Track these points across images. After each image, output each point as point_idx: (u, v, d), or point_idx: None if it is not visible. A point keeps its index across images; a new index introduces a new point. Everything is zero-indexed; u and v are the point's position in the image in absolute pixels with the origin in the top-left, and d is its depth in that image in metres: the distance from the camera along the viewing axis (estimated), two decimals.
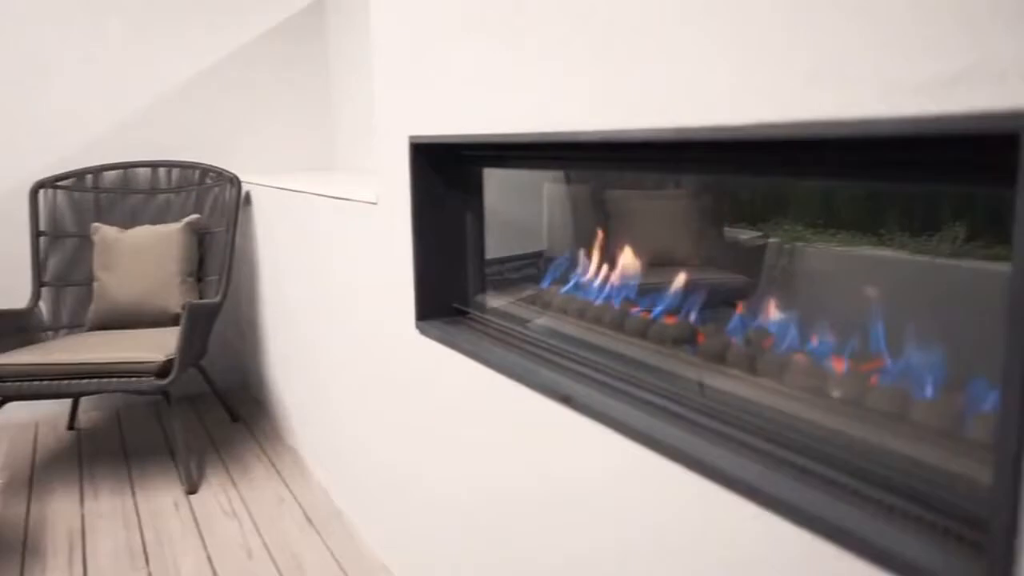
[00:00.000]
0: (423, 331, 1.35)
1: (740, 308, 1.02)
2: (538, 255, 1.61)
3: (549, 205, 1.61)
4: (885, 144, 0.57)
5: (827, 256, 1.07)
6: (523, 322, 1.25)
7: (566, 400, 0.97)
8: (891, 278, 1.01)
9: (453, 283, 1.39)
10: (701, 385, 0.94)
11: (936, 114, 0.52)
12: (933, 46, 0.53)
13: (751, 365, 0.89)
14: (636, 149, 0.86)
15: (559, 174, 1.59)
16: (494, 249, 1.45)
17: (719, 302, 1.14)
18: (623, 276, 1.25)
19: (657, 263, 1.24)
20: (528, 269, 1.57)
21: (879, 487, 0.68)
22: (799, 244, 1.13)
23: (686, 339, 1.01)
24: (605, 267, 1.32)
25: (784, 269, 1.16)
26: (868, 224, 0.98)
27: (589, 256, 1.36)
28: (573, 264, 1.37)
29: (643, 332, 1.07)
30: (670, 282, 1.22)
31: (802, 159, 0.67)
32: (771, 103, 0.61)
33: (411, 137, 1.32)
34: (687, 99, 0.70)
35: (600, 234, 1.47)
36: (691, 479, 0.79)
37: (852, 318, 0.93)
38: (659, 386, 0.93)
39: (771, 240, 1.18)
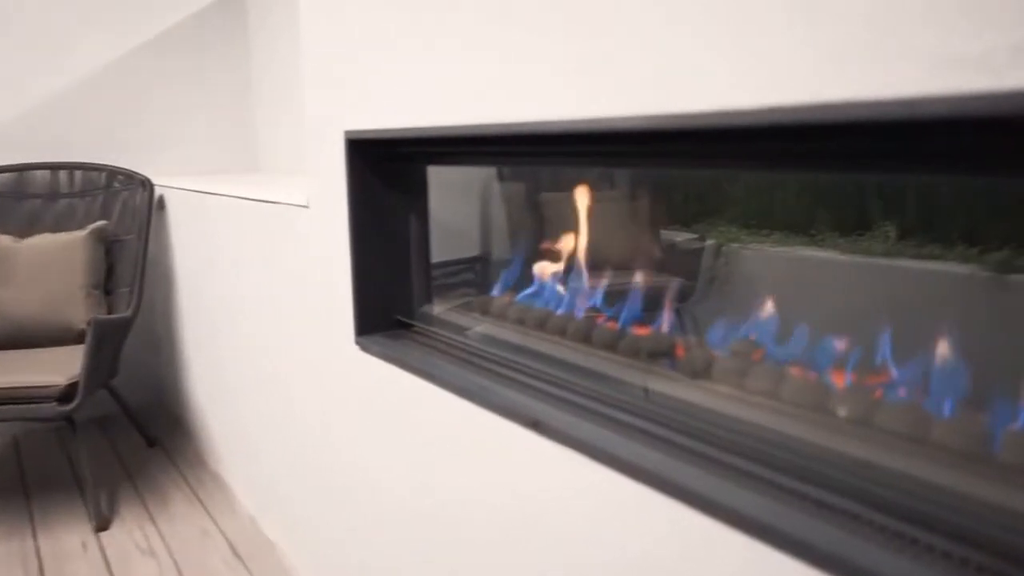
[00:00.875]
0: (364, 347, 1.22)
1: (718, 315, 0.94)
2: (475, 260, 1.50)
3: (483, 207, 1.51)
4: (929, 129, 0.49)
5: (782, 258, 1.03)
6: (477, 336, 1.14)
7: (535, 425, 0.86)
8: (856, 281, 0.96)
9: (396, 293, 1.27)
10: (646, 391, 0.86)
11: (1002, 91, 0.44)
12: (992, 14, 0.44)
13: (740, 380, 0.80)
14: (614, 142, 0.76)
15: (492, 173, 1.49)
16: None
17: (684, 309, 1.07)
18: (580, 282, 1.16)
19: (608, 267, 1.16)
20: (465, 274, 1.47)
21: (898, 518, 0.60)
22: (736, 245, 1.10)
23: (663, 352, 0.91)
24: (559, 273, 1.22)
25: (746, 273, 1.10)
26: (801, 224, 0.95)
27: (538, 261, 1.27)
28: (525, 270, 1.27)
29: (613, 344, 0.97)
30: (630, 287, 1.14)
31: (818, 149, 0.57)
32: (789, 83, 0.52)
33: (347, 132, 1.18)
34: (683, 80, 0.60)
35: (546, 237, 1.38)
36: (671, 506, 0.69)
37: (840, 325, 0.86)
38: (636, 405, 0.83)
39: (721, 242, 1.13)
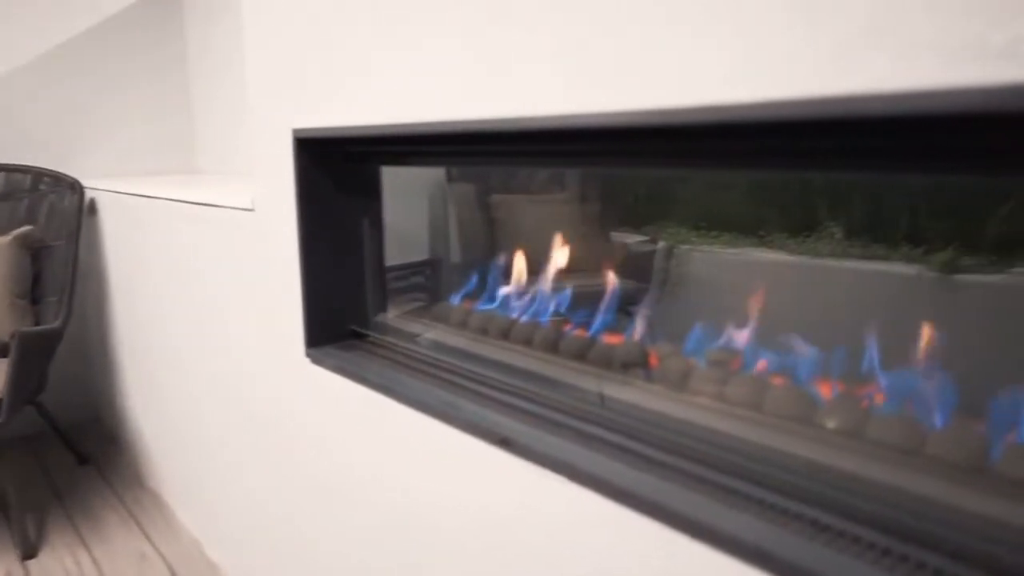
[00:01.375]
0: (315, 359, 1.15)
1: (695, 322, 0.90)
2: (425, 264, 1.45)
3: (431, 208, 1.46)
4: (944, 126, 0.45)
5: (734, 260, 1.02)
6: (437, 346, 1.08)
7: (504, 442, 0.81)
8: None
9: (349, 302, 1.20)
10: (601, 397, 0.82)
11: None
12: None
13: (721, 392, 0.76)
14: (586, 140, 0.71)
15: (439, 174, 1.44)
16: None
17: (638, 312, 1.04)
18: (541, 287, 1.12)
19: (564, 270, 1.12)
20: (414, 278, 1.41)
21: (882, 531, 0.57)
22: (687, 247, 1.09)
23: (637, 362, 0.87)
24: (518, 278, 1.18)
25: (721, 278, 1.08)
26: (750, 225, 0.94)
27: (494, 265, 1.22)
28: (482, 275, 1.22)
29: (583, 354, 0.93)
30: (587, 291, 1.10)
31: (824, 146, 0.54)
32: (791, 75, 0.48)
33: (295, 131, 1.11)
34: (671, 74, 0.55)
35: (499, 240, 1.34)
36: (648, 526, 0.65)
37: (818, 329, 0.84)
38: (606, 418, 0.79)
39: (672, 244, 1.12)
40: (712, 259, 1.07)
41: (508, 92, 0.75)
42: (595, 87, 0.61)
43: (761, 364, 0.82)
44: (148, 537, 1.83)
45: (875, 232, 0.83)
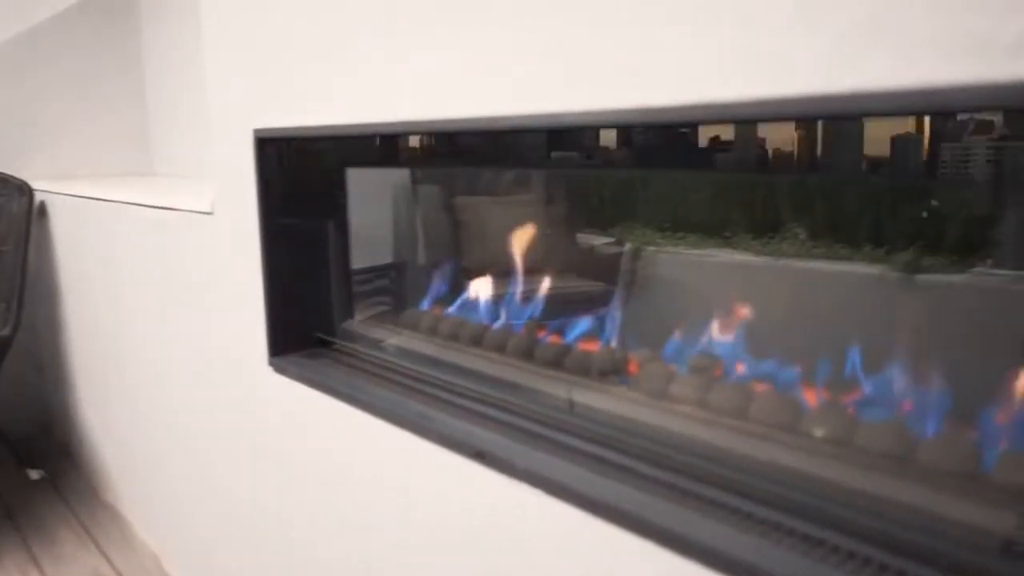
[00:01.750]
0: (279, 369, 1.11)
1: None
2: (389, 268, 1.41)
3: (395, 210, 1.42)
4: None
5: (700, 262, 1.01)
6: (406, 354, 1.04)
7: (479, 456, 0.78)
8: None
9: (314, 308, 1.15)
10: (571, 404, 0.80)
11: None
12: None
13: (704, 400, 0.74)
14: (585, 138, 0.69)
15: (404, 176, 1.40)
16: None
17: (607, 314, 1.02)
18: (512, 291, 1.09)
19: (531, 273, 1.09)
20: (378, 282, 1.37)
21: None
22: (653, 248, 1.08)
23: (616, 369, 0.85)
24: (488, 282, 1.15)
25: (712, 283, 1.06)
26: (715, 226, 0.94)
27: (461, 269, 1.19)
28: (451, 280, 1.19)
29: (558, 362, 0.90)
30: (563, 295, 1.08)
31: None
32: (789, 70, 0.46)
33: (256, 130, 1.07)
34: (661, 71, 0.53)
35: (465, 243, 1.31)
36: (644, 547, 0.62)
37: (790, 330, 0.82)
38: (588, 429, 0.76)
39: (639, 245, 1.10)
40: (678, 260, 1.05)
41: (485, 91, 0.71)
42: (595, 86, 0.58)
43: (740, 369, 0.80)
44: (104, 554, 1.76)
45: (838, 233, 0.82)
